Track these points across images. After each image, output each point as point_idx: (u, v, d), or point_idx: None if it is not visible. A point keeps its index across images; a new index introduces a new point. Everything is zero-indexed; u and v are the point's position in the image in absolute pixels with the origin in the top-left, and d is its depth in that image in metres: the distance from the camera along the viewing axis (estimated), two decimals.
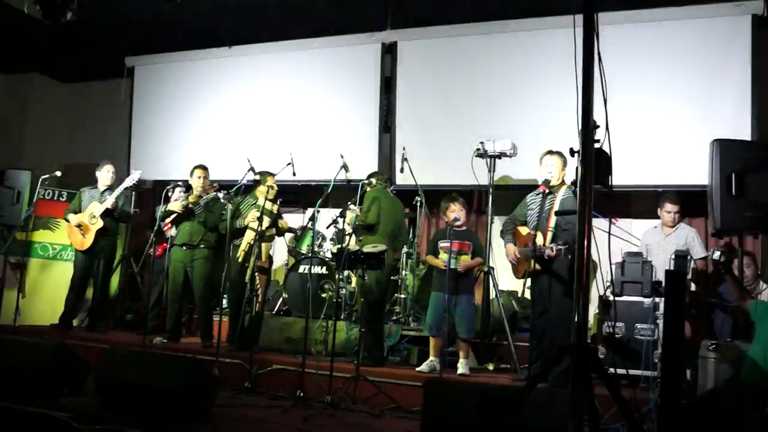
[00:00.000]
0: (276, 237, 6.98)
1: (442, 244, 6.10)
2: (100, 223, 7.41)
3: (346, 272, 6.70)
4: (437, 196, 7.83)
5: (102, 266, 7.59)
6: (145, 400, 4.58)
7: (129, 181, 7.51)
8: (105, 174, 7.66)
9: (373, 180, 6.57)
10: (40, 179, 7.80)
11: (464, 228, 6.23)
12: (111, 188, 7.57)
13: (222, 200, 6.67)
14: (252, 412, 5.16)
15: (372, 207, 6.38)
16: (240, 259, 6.52)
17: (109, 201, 7.39)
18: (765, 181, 5.35)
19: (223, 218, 6.62)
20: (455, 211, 6.09)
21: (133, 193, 7.95)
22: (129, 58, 9.64)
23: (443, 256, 6.01)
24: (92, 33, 8.54)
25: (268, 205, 6.53)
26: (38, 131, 10.41)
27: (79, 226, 7.46)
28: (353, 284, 6.98)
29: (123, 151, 9.52)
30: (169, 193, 7.18)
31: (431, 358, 6.02)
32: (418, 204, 7.35)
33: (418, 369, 5.99)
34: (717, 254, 5.09)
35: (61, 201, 8.52)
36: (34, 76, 10.52)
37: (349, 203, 6.53)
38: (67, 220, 7.57)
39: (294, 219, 8.58)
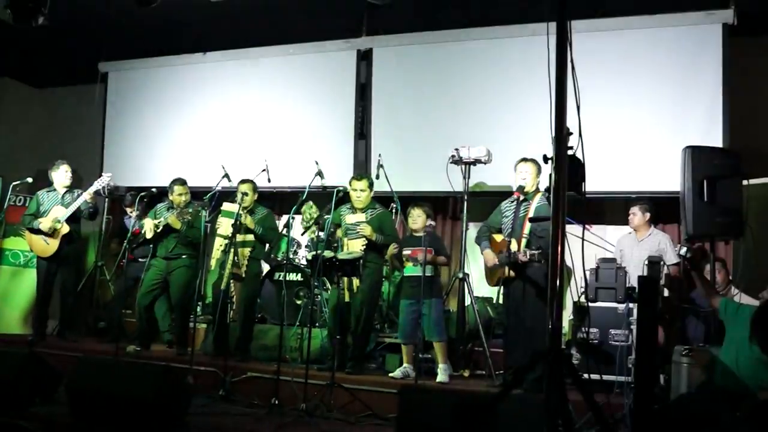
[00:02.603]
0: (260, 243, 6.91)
1: (405, 252, 6.12)
2: (65, 228, 7.14)
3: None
4: (412, 203, 7.85)
5: (70, 273, 7.39)
6: (118, 410, 4.52)
7: (98, 185, 7.27)
8: (62, 174, 7.31)
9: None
10: (11, 185, 7.69)
11: (426, 234, 6.17)
12: (71, 189, 7.32)
13: (200, 210, 6.63)
14: (226, 420, 5.12)
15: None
16: (213, 267, 6.49)
17: (75, 205, 7.15)
18: (736, 187, 5.42)
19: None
20: (413, 217, 6.17)
21: (105, 197, 7.81)
22: (102, 63, 9.54)
23: (408, 264, 6.07)
24: (65, 37, 8.43)
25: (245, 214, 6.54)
26: (9, 137, 10.25)
27: (48, 233, 7.13)
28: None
29: (96, 157, 9.41)
30: (144, 199, 7.06)
31: (405, 364, 6.04)
32: (394, 210, 7.36)
33: (391, 375, 6.00)
34: (684, 250, 5.13)
35: None
36: (6, 81, 10.37)
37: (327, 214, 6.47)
38: (30, 228, 7.22)
39: None
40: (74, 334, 7.55)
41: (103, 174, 7.48)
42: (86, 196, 7.19)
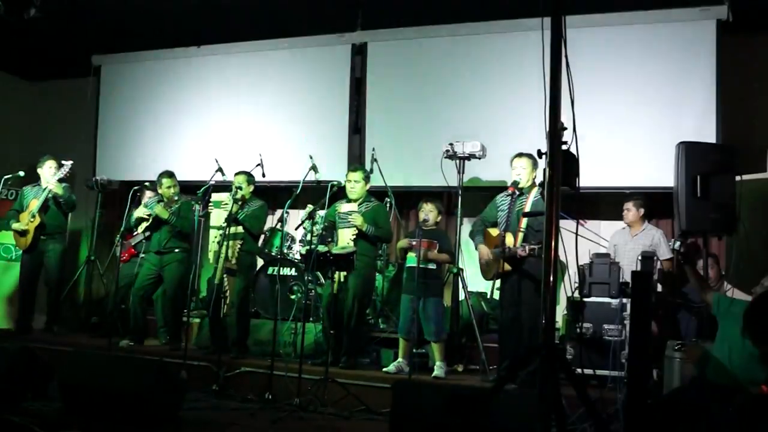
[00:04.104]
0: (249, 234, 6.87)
1: (412, 242, 6.11)
2: (37, 220, 7.26)
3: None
4: (407, 197, 7.86)
5: (51, 265, 7.42)
6: (112, 404, 4.52)
7: (61, 173, 7.37)
8: (47, 170, 7.42)
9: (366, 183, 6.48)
10: (3, 179, 7.66)
11: (434, 228, 6.21)
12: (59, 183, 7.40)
13: (192, 202, 6.62)
14: (220, 415, 5.13)
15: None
16: (211, 260, 6.48)
17: (43, 196, 7.26)
18: (728, 183, 5.44)
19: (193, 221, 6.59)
20: (424, 211, 6.12)
21: (99, 191, 7.82)
22: (95, 56, 9.47)
23: (411, 255, 6.03)
24: (57, 30, 8.39)
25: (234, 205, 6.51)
26: (1, 130, 10.21)
27: (23, 232, 7.32)
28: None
29: (89, 151, 9.35)
30: (138, 194, 7.06)
31: (399, 359, 6.04)
32: (388, 205, 7.35)
33: (384, 369, 6.00)
34: (677, 244, 5.14)
35: None
36: None
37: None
38: (11, 226, 7.42)
39: None
40: (63, 328, 7.54)
41: (63, 163, 7.48)
42: (50, 185, 7.29)
